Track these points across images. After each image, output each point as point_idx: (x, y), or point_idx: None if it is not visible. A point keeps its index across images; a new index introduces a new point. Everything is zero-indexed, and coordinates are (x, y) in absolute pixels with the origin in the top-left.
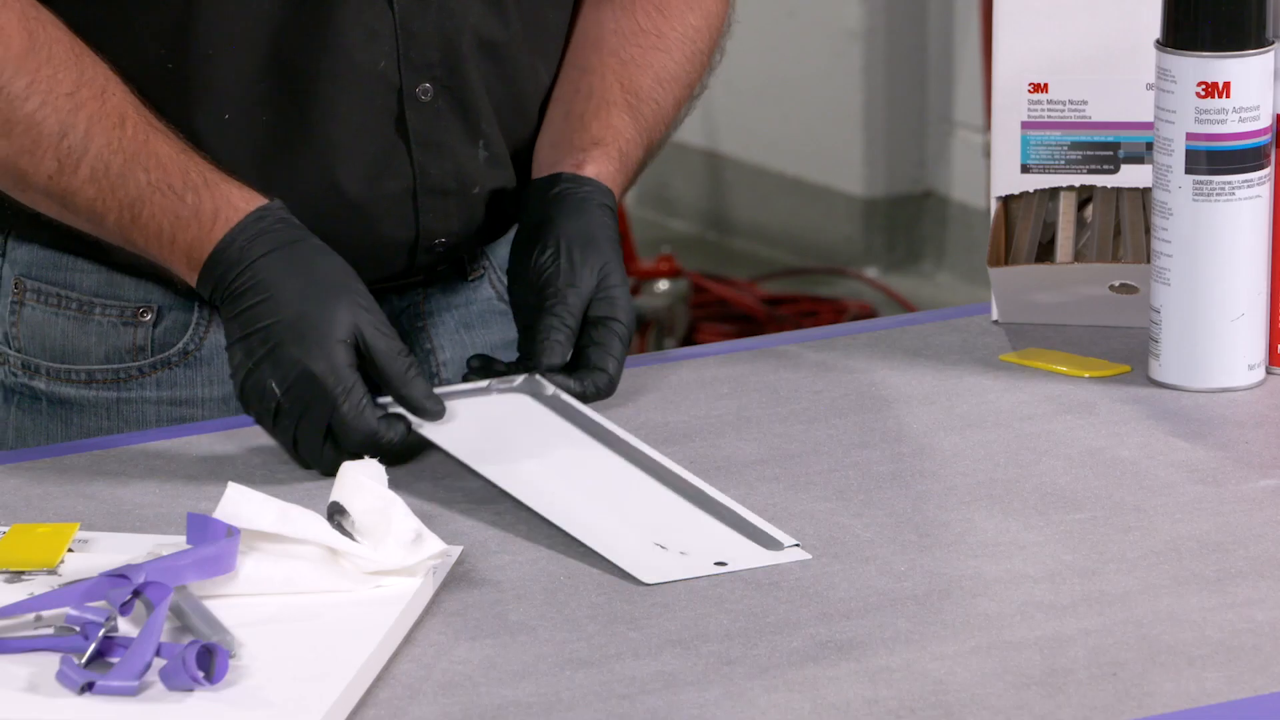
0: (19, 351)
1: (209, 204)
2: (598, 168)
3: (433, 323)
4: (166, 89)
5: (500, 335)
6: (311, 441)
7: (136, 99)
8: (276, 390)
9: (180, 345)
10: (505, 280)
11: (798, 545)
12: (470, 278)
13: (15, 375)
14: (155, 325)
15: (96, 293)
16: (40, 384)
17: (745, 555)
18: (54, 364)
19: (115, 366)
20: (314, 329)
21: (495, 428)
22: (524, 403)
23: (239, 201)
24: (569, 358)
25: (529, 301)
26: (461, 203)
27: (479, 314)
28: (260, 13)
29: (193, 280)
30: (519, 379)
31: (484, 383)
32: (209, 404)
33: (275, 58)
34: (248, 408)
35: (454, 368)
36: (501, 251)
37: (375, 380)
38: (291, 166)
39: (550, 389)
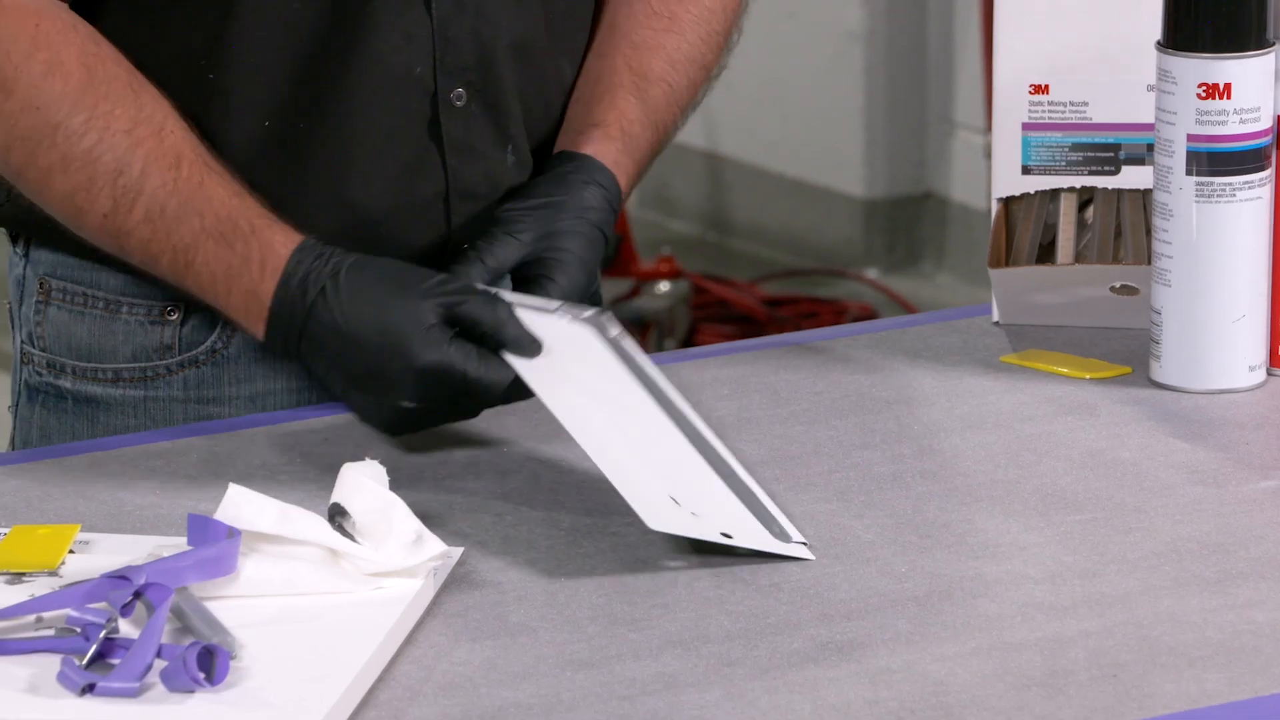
0: (44, 351)
1: (256, 252)
2: (595, 147)
3: None
4: (210, 99)
5: None
6: (476, 409)
7: (194, 137)
8: (412, 404)
9: (208, 344)
10: None
11: (805, 544)
12: None
13: (40, 375)
14: (182, 324)
15: (123, 292)
16: (66, 383)
17: (752, 535)
18: (80, 363)
19: (142, 365)
20: (404, 333)
21: (554, 351)
22: (586, 336)
23: (279, 246)
24: None
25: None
26: (490, 206)
27: None
28: (299, 18)
29: (258, 334)
30: (589, 311)
31: (554, 303)
32: (236, 402)
33: (313, 63)
34: (402, 432)
35: None
36: None
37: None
38: (326, 172)
39: (615, 330)
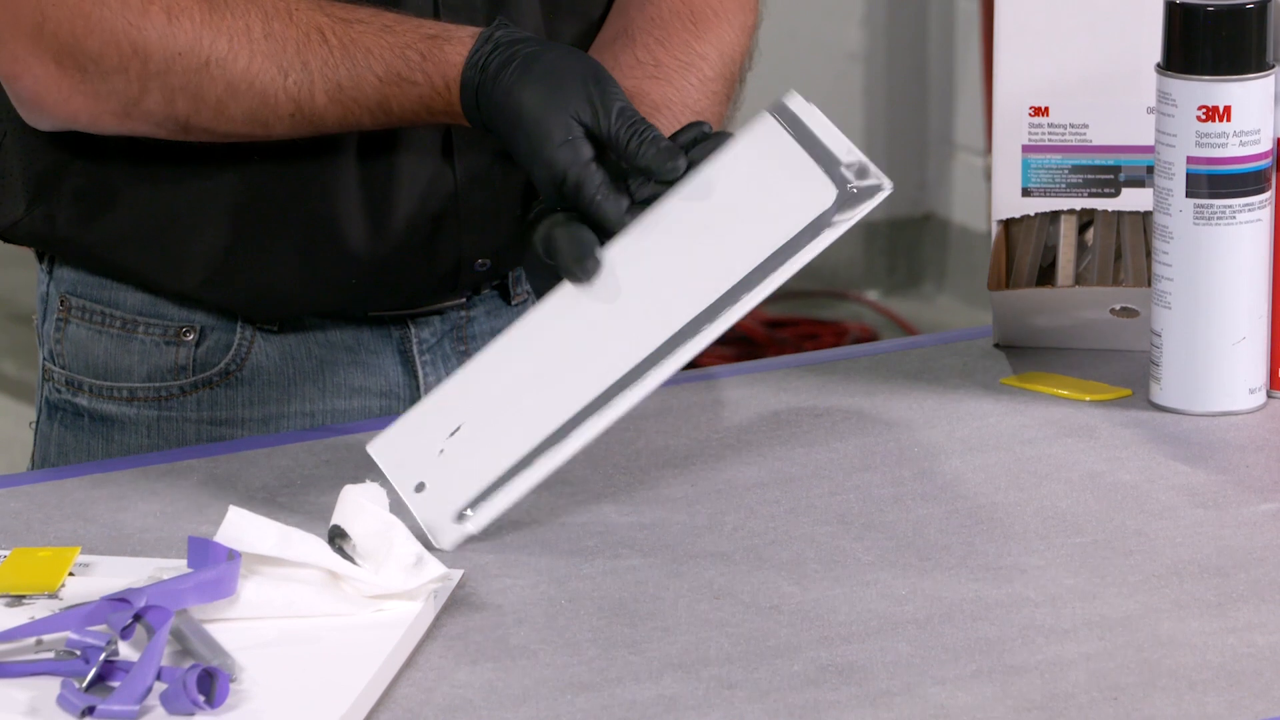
0: (63, 368)
1: (437, 77)
2: None
3: (475, 346)
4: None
5: None
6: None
7: None
8: (551, 210)
9: (222, 365)
10: None
11: (472, 529)
12: (514, 302)
13: (59, 391)
14: (197, 345)
15: (140, 311)
16: (83, 401)
17: (440, 502)
18: (97, 381)
19: (157, 385)
20: (548, 137)
21: (720, 193)
22: (808, 201)
23: (454, 56)
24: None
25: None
26: (502, 224)
27: None
28: None
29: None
30: (872, 179)
31: (852, 157)
32: (249, 424)
33: None
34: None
35: None
36: None
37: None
38: (340, 189)
39: (845, 217)
